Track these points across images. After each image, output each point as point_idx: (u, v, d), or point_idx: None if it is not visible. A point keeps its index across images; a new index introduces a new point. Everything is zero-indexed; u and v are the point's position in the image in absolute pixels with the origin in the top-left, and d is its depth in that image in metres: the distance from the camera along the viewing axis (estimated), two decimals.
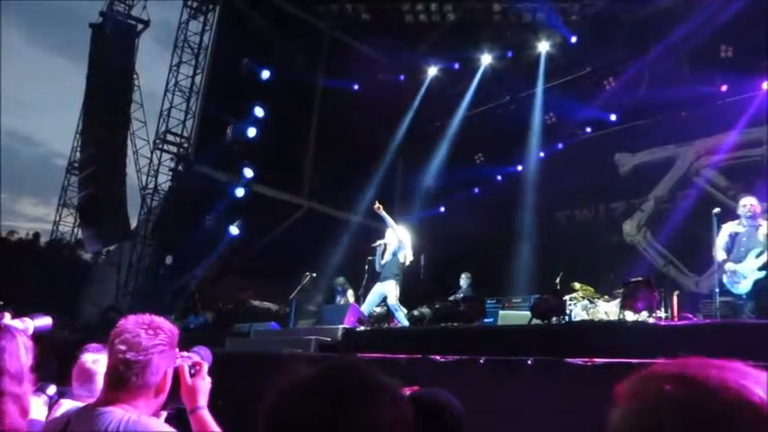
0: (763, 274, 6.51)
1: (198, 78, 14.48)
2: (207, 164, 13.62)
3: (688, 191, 11.95)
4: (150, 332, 1.83)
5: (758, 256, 6.59)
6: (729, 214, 10.01)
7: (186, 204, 13.36)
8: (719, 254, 6.91)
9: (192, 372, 2.08)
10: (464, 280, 10.43)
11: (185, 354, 2.14)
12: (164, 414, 2.07)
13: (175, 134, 14.25)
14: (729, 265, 6.80)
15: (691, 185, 11.98)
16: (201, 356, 2.25)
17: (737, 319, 7.11)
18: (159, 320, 1.91)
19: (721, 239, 6.95)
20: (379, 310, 8.88)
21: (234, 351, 8.07)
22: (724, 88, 11.19)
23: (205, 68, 14.41)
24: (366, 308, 8.66)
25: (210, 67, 14.30)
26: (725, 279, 6.91)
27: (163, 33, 19.02)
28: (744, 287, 6.70)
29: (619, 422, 0.73)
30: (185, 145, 14.17)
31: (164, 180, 14.37)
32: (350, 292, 10.19)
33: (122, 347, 1.78)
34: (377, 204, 8.94)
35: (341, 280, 10.41)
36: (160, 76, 15.09)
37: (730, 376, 0.69)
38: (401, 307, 8.65)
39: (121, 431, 1.66)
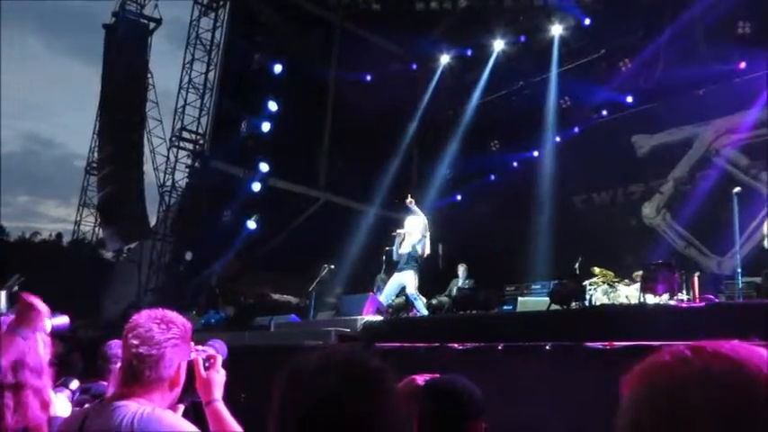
0: None
1: (211, 75, 14.56)
2: (222, 159, 13.71)
3: (708, 171, 11.77)
4: (163, 326, 1.85)
5: None
6: (751, 193, 9.89)
7: (203, 200, 13.47)
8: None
9: (207, 365, 2.10)
10: (461, 271, 10.47)
11: (200, 347, 2.16)
12: (180, 407, 2.10)
13: (191, 131, 14.35)
14: None
15: (710, 165, 11.80)
16: (216, 350, 2.27)
17: (761, 299, 7.05)
18: (172, 315, 1.93)
19: None
20: (397, 300, 8.90)
21: (254, 344, 8.14)
22: (742, 65, 10.97)
23: (218, 65, 14.47)
24: (385, 298, 8.70)
25: (223, 64, 14.36)
26: None
27: (175, 31, 19.10)
28: None
29: (635, 403, 0.72)
30: (201, 141, 14.27)
31: (181, 177, 14.50)
32: None
33: (135, 342, 1.80)
34: (409, 198, 9.03)
35: (383, 276, 10.43)
36: (174, 74, 15.20)
37: (754, 355, 0.68)
38: (420, 296, 8.70)
39: (135, 424, 1.68)
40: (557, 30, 13.10)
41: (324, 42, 15.10)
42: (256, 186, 13.51)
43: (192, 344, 2.03)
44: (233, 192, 13.37)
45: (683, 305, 6.38)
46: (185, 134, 14.32)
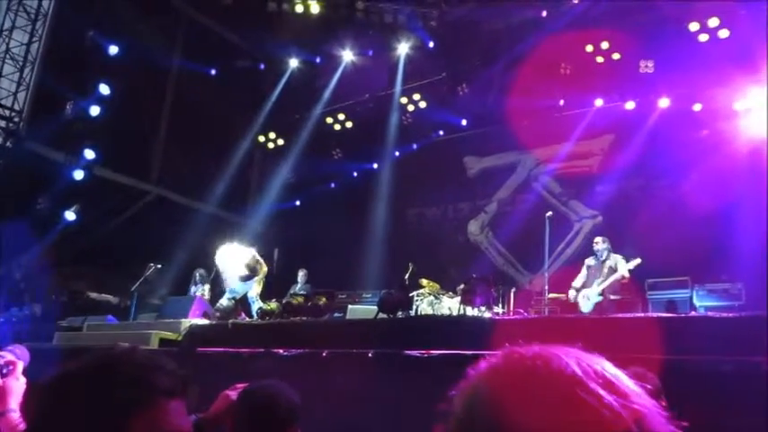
0: (600, 298, 8.01)
1: (34, 47, 13.15)
2: (41, 141, 12.42)
3: (526, 195, 12.91)
4: None
5: (599, 284, 8.09)
6: (560, 218, 11.06)
7: (14, 185, 12.09)
8: (577, 281, 8.38)
9: (5, 371, 1.91)
10: (301, 276, 10.59)
11: None
12: None
13: (4, 107, 12.82)
14: (583, 291, 8.21)
15: (529, 190, 12.96)
16: (17, 356, 2.08)
17: (563, 314, 8.01)
18: None
19: (582, 272, 8.45)
20: (226, 303, 8.69)
21: (63, 346, 7.49)
22: (561, 102, 12.20)
23: (43, 37, 13.12)
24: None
25: (50, 37, 13.04)
26: (579, 300, 8.21)
27: None
28: (588, 307, 8.07)
29: (461, 405, 0.74)
30: (16, 119, 12.80)
31: None
32: (206, 287, 9.89)
33: None
34: None
35: (202, 271, 10.08)
36: None
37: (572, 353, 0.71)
38: (259, 300, 8.71)
39: None
40: (403, 48, 13.61)
41: (168, 29, 14.32)
42: (79, 174, 12.40)
43: None
44: (51, 178, 12.16)
45: (497, 317, 6.93)
46: None
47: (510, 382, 0.70)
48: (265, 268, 9.02)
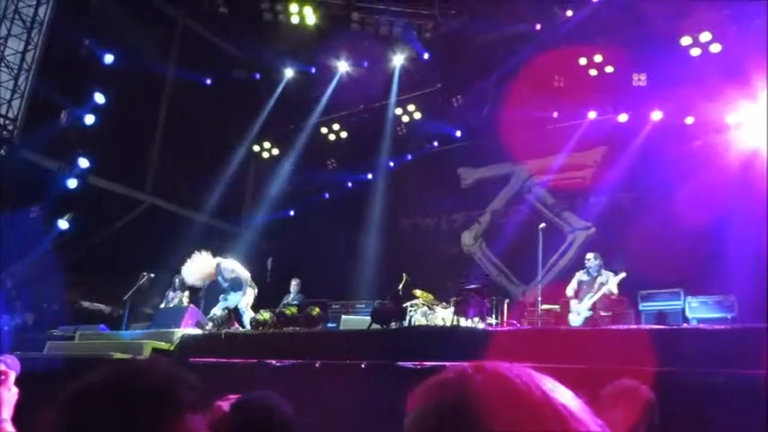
0: (590, 313, 8.16)
1: (29, 55, 13.15)
2: (35, 150, 12.40)
3: (520, 206, 12.95)
4: None
5: (590, 299, 8.23)
6: (554, 229, 11.10)
7: (7, 193, 12.06)
8: (569, 290, 8.55)
9: None
10: (294, 286, 10.58)
11: None
12: None
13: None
14: (573, 303, 8.37)
15: (522, 201, 13.00)
16: (8, 365, 2.07)
17: (556, 326, 8.04)
18: None
19: (572, 283, 8.58)
20: (219, 313, 8.67)
21: (54, 355, 7.45)
22: (555, 114, 12.28)
23: (38, 45, 13.13)
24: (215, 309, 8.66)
25: (45, 45, 13.05)
26: (569, 315, 8.35)
27: None
28: (578, 320, 8.20)
29: (415, 419, 0.76)
30: (10, 127, 12.78)
31: None
32: (185, 293, 9.89)
33: None
34: None
35: (182, 276, 10.07)
36: None
37: (524, 373, 0.73)
38: (249, 310, 8.68)
39: None
40: (398, 60, 13.67)
41: (164, 38, 14.35)
42: (73, 183, 12.37)
43: None
44: (45, 186, 12.13)
45: (490, 328, 6.94)
46: None
47: (496, 401, 0.71)
48: (247, 273, 8.95)
